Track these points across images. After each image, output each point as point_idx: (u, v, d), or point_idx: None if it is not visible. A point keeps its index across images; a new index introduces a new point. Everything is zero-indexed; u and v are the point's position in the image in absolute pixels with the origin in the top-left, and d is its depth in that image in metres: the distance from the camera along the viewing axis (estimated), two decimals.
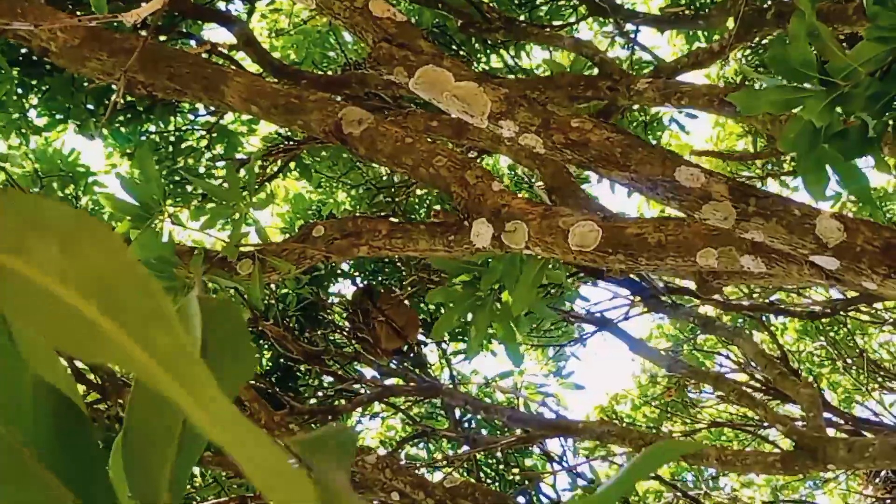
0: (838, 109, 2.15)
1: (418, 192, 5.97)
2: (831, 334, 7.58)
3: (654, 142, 6.05)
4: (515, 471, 6.59)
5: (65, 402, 0.52)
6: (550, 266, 3.31)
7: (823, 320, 7.34)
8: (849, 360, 7.60)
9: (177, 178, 5.61)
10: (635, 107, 5.89)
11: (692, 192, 2.23)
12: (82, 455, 0.53)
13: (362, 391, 6.11)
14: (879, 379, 7.66)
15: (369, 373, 6.50)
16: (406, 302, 6.00)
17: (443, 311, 3.46)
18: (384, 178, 6.20)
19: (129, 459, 0.55)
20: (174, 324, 0.31)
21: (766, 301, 6.86)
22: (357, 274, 6.30)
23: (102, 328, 0.30)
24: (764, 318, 7.14)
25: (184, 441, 0.55)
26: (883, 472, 6.91)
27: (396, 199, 5.84)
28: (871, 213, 6.23)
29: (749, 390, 6.33)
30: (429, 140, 2.81)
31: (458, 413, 6.38)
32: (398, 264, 6.06)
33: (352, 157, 5.53)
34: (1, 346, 0.51)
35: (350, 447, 0.49)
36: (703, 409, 7.94)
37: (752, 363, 6.95)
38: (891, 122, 2.09)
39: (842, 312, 7.08)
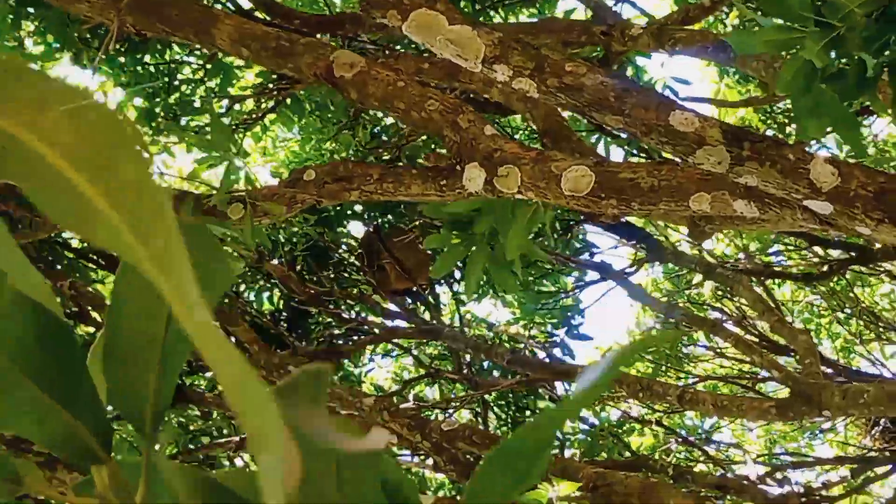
0: (835, 52, 2.13)
1: (415, 139, 5.93)
2: (831, 285, 7.59)
3: None
4: (526, 413, 6.63)
5: (44, 314, 0.52)
6: (542, 223, 3.30)
7: (823, 268, 7.33)
8: (847, 311, 7.61)
9: (173, 111, 5.58)
10: (627, 72, 5.83)
11: (686, 136, 2.21)
12: (64, 365, 0.53)
13: (368, 332, 6.13)
14: (878, 330, 7.67)
15: (378, 314, 6.51)
16: (419, 243, 5.98)
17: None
18: (379, 125, 6.15)
19: (110, 368, 0.54)
20: (171, 223, 0.31)
21: (765, 265, 6.87)
22: (367, 215, 6.27)
23: (104, 213, 0.30)
24: (758, 261, 7.14)
25: (167, 350, 0.54)
26: (882, 423, 6.94)
27: (391, 145, 5.81)
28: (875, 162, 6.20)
29: (747, 338, 6.35)
30: (421, 84, 2.78)
31: (465, 356, 6.41)
32: (406, 207, 6.03)
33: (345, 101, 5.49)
34: None
35: (322, 389, 0.49)
36: (698, 364, 7.97)
37: (750, 311, 6.97)
38: (887, 64, 2.06)
39: (835, 275, 7.08)
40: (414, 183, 2.68)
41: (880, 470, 6.76)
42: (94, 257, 5.57)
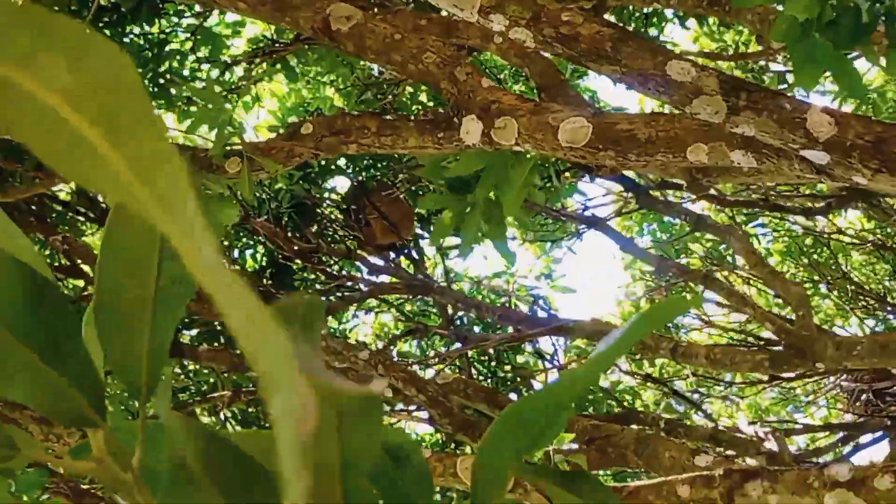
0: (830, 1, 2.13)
1: (408, 89, 5.90)
2: (814, 256, 7.60)
3: None
4: (507, 368, 6.65)
5: (34, 277, 0.52)
6: (543, 176, 3.31)
7: (807, 241, 7.35)
8: (830, 282, 7.63)
9: (161, 81, 5.54)
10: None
11: (683, 86, 2.21)
12: (56, 329, 0.52)
13: (357, 288, 6.13)
14: (860, 301, 7.70)
15: (363, 270, 6.51)
16: (402, 197, 5.98)
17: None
18: (373, 76, 6.12)
19: (103, 328, 0.54)
20: (178, 164, 0.30)
21: (762, 199, 6.85)
22: (351, 170, 6.26)
23: (105, 156, 0.30)
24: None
25: (160, 305, 0.54)
26: (864, 396, 6.98)
27: (385, 96, 5.78)
28: (873, 109, 6.19)
29: (739, 291, 6.37)
30: (419, 37, 2.77)
31: (450, 311, 6.42)
32: (391, 162, 6.02)
33: (340, 55, 5.46)
34: None
35: (318, 314, 0.49)
36: (691, 330, 7.99)
37: (739, 263, 6.99)
38: (883, 13, 2.07)
39: (826, 235, 7.10)
40: (411, 135, 2.68)
41: (866, 440, 6.83)
42: (84, 210, 5.56)
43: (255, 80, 5.94)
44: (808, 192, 6.90)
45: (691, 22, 6.17)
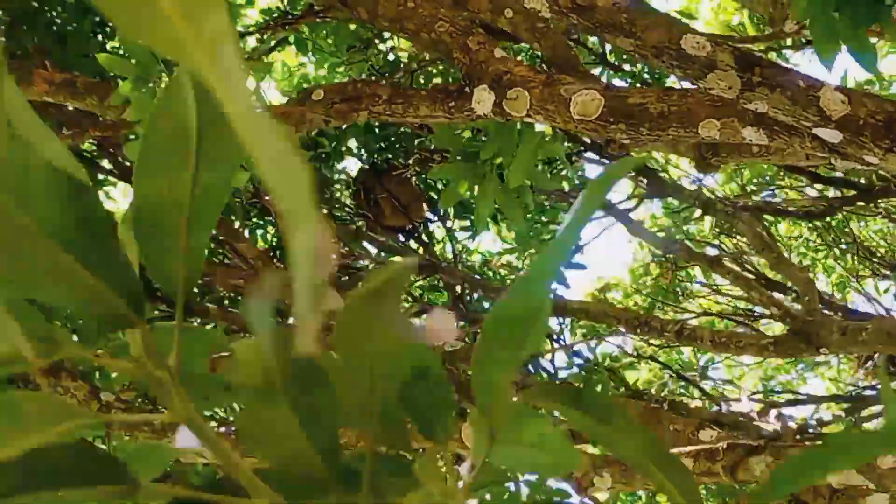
0: None
1: (421, 79, 5.88)
2: (827, 219, 7.58)
3: None
4: None
5: (70, 181, 0.52)
6: (548, 140, 3.30)
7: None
8: (843, 246, 7.61)
9: None
10: None
11: (697, 60, 2.20)
12: (93, 231, 0.52)
13: (365, 268, 6.14)
14: (873, 266, 7.69)
15: (372, 251, 6.52)
16: (412, 179, 5.98)
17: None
18: (385, 55, 6.10)
19: (140, 230, 0.55)
20: (222, 12, 0.30)
21: (765, 201, 6.85)
22: (363, 151, 6.26)
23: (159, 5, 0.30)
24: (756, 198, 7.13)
25: (195, 210, 0.55)
26: (875, 357, 6.99)
27: (395, 77, 5.77)
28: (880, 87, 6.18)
29: (746, 275, 6.37)
30: (432, 6, 2.76)
31: (458, 290, 6.42)
32: (403, 144, 6.01)
33: (353, 32, 5.45)
34: (10, 135, 0.51)
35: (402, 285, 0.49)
36: (696, 300, 7.99)
37: (750, 247, 6.97)
38: None
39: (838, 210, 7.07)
40: (423, 104, 2.67)
41: (875, 409, 6.82)
42: (109, 167, 5.57)
43: (266, 49, 5.92)
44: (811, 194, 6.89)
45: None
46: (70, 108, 3.90)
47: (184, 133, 0.54)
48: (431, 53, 3.97)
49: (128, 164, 5.27)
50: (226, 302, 5.57)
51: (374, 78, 5.70)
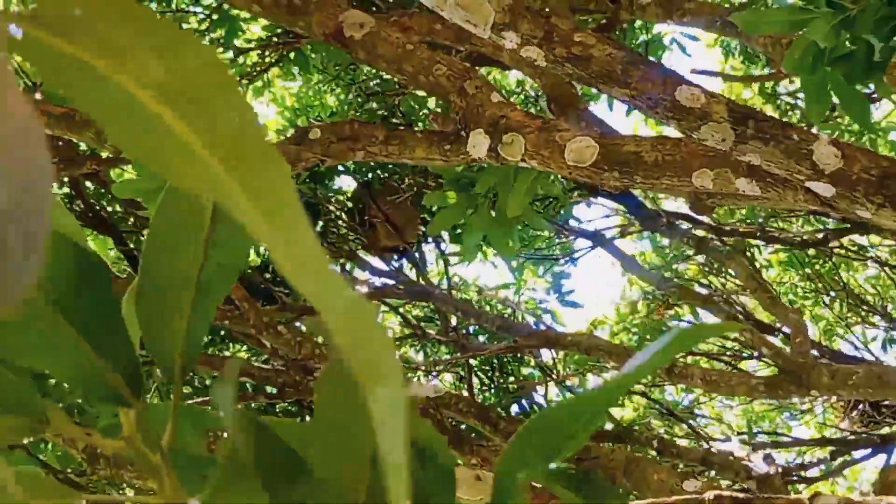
0: (845, 34, 2.13)
1: (412, 102, 5.90)
2: (816, 267, 7.59)
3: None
4: (510, 380, 6.65)
5: (81, 254, 0.52)
6: (549, 180, 3.32)
7: (810, 252, 7.34)
8: (832, 294, 7.62)
9: None
10: (637, 24, 5.81)
11: (692, 111, 2.21)
12: (98, 306, 0.53)
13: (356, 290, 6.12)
14: (862, 314, 7.69)
15: (366, 273, 6.51)
16: (409, 201, 5.98)
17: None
18: (377, 81, 6.12)
19: (143, 308, 0.55)
20: (278, 165, 0.30)
21: (759, 228, 6.85)
22: (357, 171, 6.26)
23: (196, 153, 0.30)
24: (748, 253, 7.14)
25: (202, 290, 0.55)
26: (861, 406, 6.98)
27: (389, 103, 5.78)
28: (871, 143, 6.20)
29: (738, 314, 6.38)
30: (430, 48, 2.77)
31: (451, 319, 6.42)
32: (398, 165, 6.02)
33: (350, 59, 5.46)
34: None
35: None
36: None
37: (734, 289, 6.99)
38: None
39: (832, 244, 7.08)
40: (419, 146, 2.69)
41: (858, 454, 6.82)
42: (78, 212, 5.54)
43: (267, 65, 5.92)
44: (804, 225, 6.90)
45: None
46: (61, 143, 3.91)
47: (198, 212, 0.55)
48: (429, 95, 3.99)
49: (101, 212, 5.25)
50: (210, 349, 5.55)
51: (360, 99, 5.71)
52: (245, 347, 5.85)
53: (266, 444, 0.51)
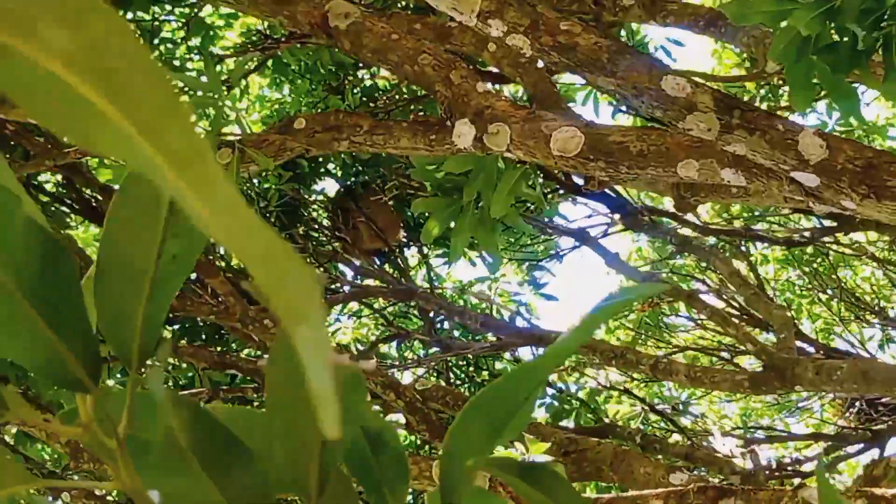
0: (830, 24, 2.13)
1: (399, 101, 5.89)
2: (814, 265, 7.61)
3: None
4: (485, 374, 6.66)
5: (45, 235, 0.52)
6: (529, 183, 3.31)
7: (807, 250, 7.36)
8: (829, 292, 7.64)
9: None
10: (622, 32, 5.82)
11: (677, 101, 2.21)
12: (62, 291, 0.53)
13: (340, 290, 6.12)
14: (858, 312, 7.72)
15: (348, 273, 6.50)
16: (389, 204, 5.99)
17: (427, 215, 3.47)
18: (365, 81, 6.11)
19: (101, 296, 0.54)
20: (186, 120, 0.30)
21: (746, 227, 6.88)
22: (341, 173, 6.26)
23: (110, 118, 0.29)
24: (743, 248, 7.17)
25: (159, 279, 0.55)
26: (857, 404, 7.01)
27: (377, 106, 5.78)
28: (862, 134, 6.22)
29: (723, 311, 6.38)
30: (415, 39, 2.77)
31: (432, 316, 6.41)
32: (381, 167, 6.02)
33: (332, 57, 5.45)
34: None
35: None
36: (677, 335, 8.00)
37: (728, 285, 7.00)
38: (880, 39, 2.07)
39: (822, 241, 7.09)
40: (403, 136, 2.68)
41: (852, 449, 6.85)
42: (70, 202, 5.53)
43: (246, 72, 5.91)
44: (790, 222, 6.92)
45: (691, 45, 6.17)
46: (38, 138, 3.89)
47: (156, 201, 0.54)
48: (414, 85, 3.98)
49: (90, 198, 5.24)
50: (199, 338, 5.54)
51: (350, 106, 5.71)
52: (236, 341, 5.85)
53: (202, 426, 0.52)
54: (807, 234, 6.73)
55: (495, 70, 3.80)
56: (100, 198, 5.09)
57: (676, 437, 6.95)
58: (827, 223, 6.41)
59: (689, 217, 6.00)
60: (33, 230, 0.51)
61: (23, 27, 0.29)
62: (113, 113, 0.29)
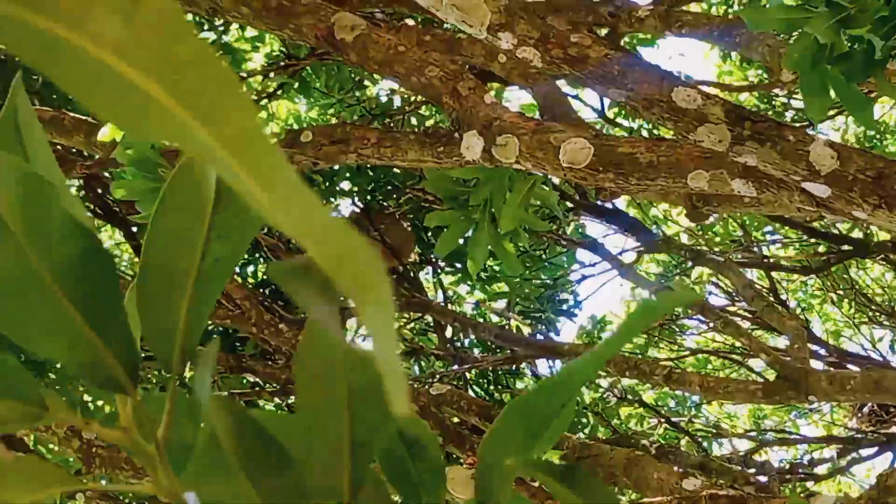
0: (844, 33, 2.11)
1: (413, 120, 5.89)
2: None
3: None
4: (507, 395, 6.64)
5: (89, 238, 0.52)
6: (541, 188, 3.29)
7: (819, 249, 7.34)
8: (840, 292, 7.60)
9: None
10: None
11: (688, 113, 2.19)
12: (102, 292, 0.52)
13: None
14: (870, 314, 7.68)
15: None
16: (404, 223, 5.99)
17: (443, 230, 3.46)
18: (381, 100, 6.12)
19: (143, 298, 0.55)
20: (244, 101, 0.29)
21: (760, 255, 6.87)
22: (355, 191, 6.27)
23: (163, 104, 0.29)
24: (756, 249, 7.14)
25: (201, 282, 0.55)
26: (868, 406, 6.98)
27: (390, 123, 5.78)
28: (873, 143, 6.19)
29: (736, 319, 6.35)
30: (423, 51, 2.75)
31: (448, 331, 6.40)
32: (394, 185, 6.03)
33: (350, 77, 5.47)
34: (33, 176, 0.50)
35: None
36: (690, 338, 7.97)
37: (740, 296, 6.98)
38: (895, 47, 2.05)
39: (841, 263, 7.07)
40: (411, 148, 2.66)
41: (866, 452, 6.82)
42: (92, 206, 5.54)
43: (268, 94, 5.93)
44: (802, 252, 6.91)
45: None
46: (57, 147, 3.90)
47: (200, 204, 0.54)
48: (421, 97, 3.98)
49: (111, 202, 5.25)
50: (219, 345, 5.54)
51: (364, 118, 5.72)
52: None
53: (246, 430, 0.52)
54: (822, 259, 6.70)
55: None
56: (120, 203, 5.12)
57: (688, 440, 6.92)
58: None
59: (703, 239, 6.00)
60: (71, 224, 0.51)
61: (72, 17, 0.29)
62: (167, 99, 0.29)
